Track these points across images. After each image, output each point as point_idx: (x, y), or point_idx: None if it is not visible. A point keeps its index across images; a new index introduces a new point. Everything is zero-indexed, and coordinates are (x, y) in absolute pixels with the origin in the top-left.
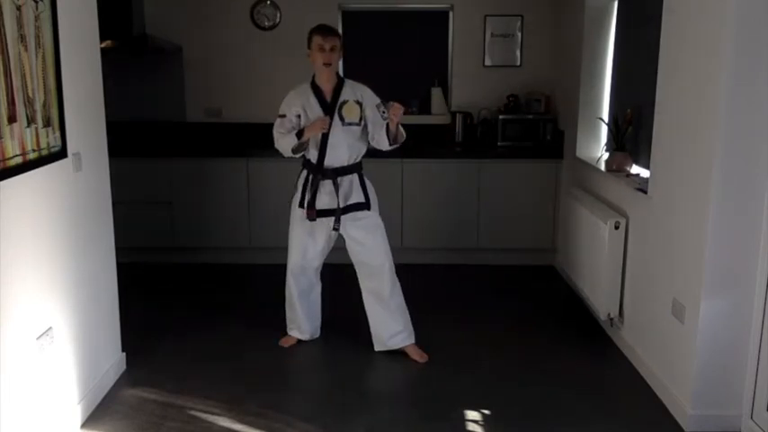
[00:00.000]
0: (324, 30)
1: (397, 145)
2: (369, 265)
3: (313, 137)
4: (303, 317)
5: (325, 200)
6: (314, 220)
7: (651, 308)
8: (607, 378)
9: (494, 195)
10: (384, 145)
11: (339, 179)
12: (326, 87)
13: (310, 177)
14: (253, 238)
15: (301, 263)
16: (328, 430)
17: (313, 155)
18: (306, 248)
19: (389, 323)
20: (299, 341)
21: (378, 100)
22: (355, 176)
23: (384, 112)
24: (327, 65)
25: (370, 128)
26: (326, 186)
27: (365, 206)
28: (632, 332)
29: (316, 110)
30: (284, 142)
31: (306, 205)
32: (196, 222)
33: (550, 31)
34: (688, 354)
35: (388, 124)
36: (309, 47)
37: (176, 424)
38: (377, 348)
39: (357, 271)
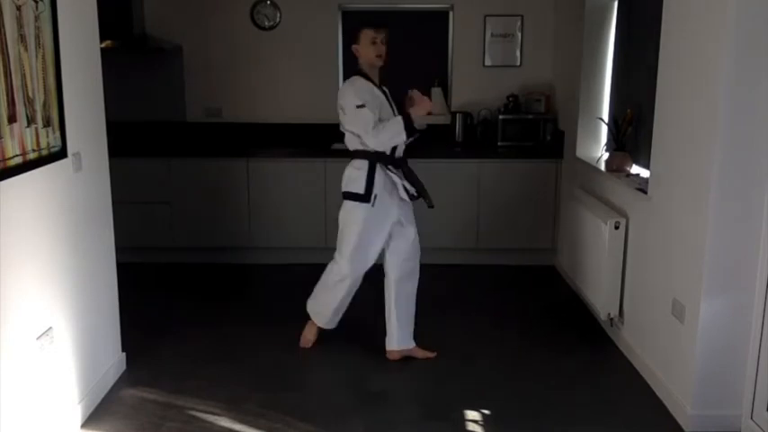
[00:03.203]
0: (376, 23)
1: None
2: (411, 263)
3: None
4: (339, 313)
5: (400, 188)
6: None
7: (651, 308)
8: (607, 378)
9: (494, 195)
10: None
11: (405, 169)
12: (377, 83)
13: (376, 169)
14: (253, 238)
15: (368, 269)
16: (328, 430)
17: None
18: (378, 252)
19: (410, 325)
20: (319, 333)
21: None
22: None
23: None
24: (380, 56)
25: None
26: (398, 177)
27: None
28: (632, 332)
29: (386, 106)
30: (391, 129)
31: (406, 191)
32: (196, 222)
33: (550, 31)
34: (688, 354)
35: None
36: (357, 41)
37: (176, 424)
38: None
39: (393, 271)
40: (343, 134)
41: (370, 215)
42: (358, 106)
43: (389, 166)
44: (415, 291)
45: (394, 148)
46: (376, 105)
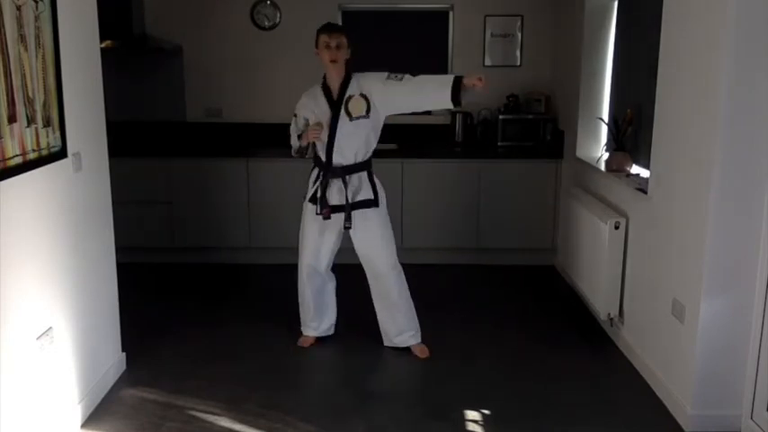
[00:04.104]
0: (329, 28)
1: (460, 103)
2: (374, 266)
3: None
4: (320, 314)
5: (335, 197)
6: (329, 218)
7: (651, 308)
8: (607, 378)
9: (494, 195)
10: (442, 100)
11: (348, 177)
12: (335, 85)
13: (321, 175)
14: (253, 238)
15: (314, 264)
16: (328, 430)
17: (322, 153)
18: (318, 248)
19: (397, 322)
20: (317, 339)
21: (384, 75)
22: (364, 174)
23: (400, 78)
24: (333, 61)
25: (399, 102)
26: (336, 184)
27: (373, 203)
28: (632, 332)
29: (324, 109)
30: (292, 143)
31: (319, 203)
32: (196, 222)
33: (550, 31)
34: (688, 354)
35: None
36: (317, 46)
37: (176, 424)
38: (385, 343)
39: (365, 271)
40: None
41: (305, 211)
42: (293, 114)
43: (322, 172)
44: (385, 291)
45: (330, 157)
46: (309, 116)
